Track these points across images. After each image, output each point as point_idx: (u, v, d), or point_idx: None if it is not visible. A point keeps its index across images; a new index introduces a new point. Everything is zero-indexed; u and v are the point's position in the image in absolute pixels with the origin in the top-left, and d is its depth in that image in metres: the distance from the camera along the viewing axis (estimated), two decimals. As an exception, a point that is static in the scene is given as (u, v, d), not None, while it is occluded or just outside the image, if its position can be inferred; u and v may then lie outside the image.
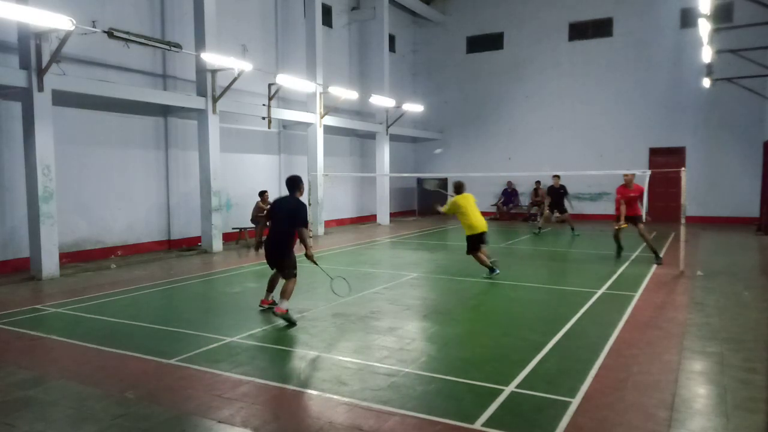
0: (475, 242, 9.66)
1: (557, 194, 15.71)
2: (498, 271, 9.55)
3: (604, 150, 20.05)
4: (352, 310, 7.37)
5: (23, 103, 9.70)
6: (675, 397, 4.44)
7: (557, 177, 15.58)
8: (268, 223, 7.43)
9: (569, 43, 21.11)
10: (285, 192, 7.26)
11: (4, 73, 9.28)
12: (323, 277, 7.65)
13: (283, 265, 7.05)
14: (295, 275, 7.04)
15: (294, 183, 7.16)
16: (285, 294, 6.86)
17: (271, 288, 7.50)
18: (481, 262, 9.64)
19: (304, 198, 7.34)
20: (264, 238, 7.28)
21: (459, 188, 10.00)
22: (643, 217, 11.66)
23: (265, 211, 7.19)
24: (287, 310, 6.79)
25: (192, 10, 12.87)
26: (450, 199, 10.11)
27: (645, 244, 11.45)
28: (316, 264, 7.16)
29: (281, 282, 7.13)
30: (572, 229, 15.61)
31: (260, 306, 7.51)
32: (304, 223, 6.98)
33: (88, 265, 11.09)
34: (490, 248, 13.82)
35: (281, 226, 7.00)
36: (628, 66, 20.06)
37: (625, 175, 11.76)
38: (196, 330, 6.48)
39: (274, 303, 7.27)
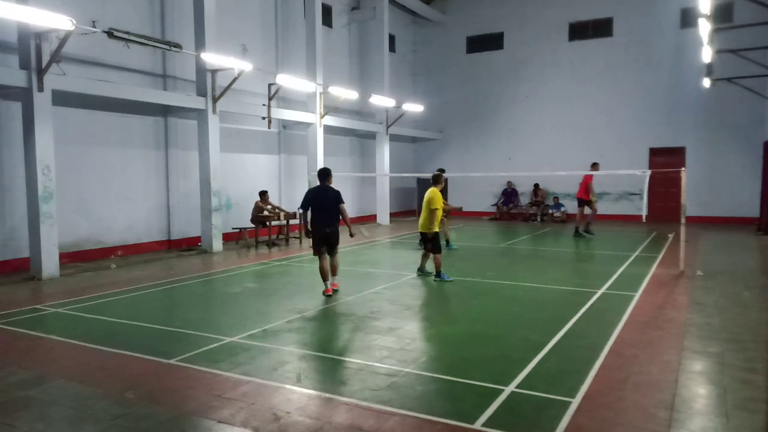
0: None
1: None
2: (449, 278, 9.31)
3: (604, 150, 20.03)
4: (352, 310, 7.37)
5: (23, 103, 9.70)
6: (675, 397, 4.44)
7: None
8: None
9: (569, 43, 21.09)
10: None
11: (4, 73, 9.27)
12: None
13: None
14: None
15: (325, 174, 8.36)
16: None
17: (326, 276, 8.34)
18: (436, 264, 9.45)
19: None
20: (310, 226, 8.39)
21: (433, 180, 9.66)
22: None
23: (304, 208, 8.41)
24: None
25: (192, 10, 12.87)
26: None
27: None
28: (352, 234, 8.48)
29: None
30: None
31: (324, 294, 8.17)
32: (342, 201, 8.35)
33: (88, 265, 11.09)
34: (490, 248, 13.95)
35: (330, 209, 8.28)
36: (628, 66, 20.04)
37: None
38: (196, 330, 6.48)
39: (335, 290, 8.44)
